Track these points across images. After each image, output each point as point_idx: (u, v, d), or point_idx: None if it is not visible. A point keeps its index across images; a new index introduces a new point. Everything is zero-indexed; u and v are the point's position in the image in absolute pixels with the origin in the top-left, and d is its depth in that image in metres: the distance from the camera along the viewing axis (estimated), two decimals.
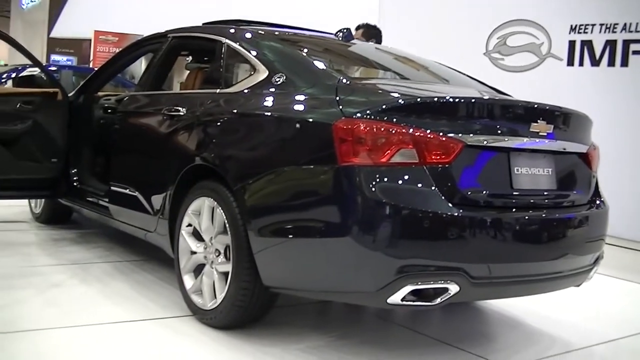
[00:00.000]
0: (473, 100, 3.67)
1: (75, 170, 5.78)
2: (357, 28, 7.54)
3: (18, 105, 5.41)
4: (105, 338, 3.67)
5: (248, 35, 4.42)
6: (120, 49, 5.94)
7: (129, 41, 6.30)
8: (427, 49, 7.63)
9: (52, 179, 5.65)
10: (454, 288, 3.21)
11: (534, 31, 8.76)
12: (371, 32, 7.56)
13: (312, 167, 3.38)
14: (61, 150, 5.64)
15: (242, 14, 5.26)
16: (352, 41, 4.80)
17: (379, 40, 7.44)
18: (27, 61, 5.27)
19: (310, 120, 3.48)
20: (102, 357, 3.41)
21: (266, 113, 3.80)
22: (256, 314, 3.78)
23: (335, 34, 4.79)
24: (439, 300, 3.24)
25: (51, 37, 20.43)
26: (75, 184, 5.77)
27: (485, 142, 3.40)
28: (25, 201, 6.80)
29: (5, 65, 18.12)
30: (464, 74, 4.77)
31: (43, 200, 6.47)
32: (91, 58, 16.56)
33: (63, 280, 4.65)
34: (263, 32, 4.51)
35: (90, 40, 16.94)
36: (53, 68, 12.92)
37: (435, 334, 4.14)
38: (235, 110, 3.99)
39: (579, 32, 8.37)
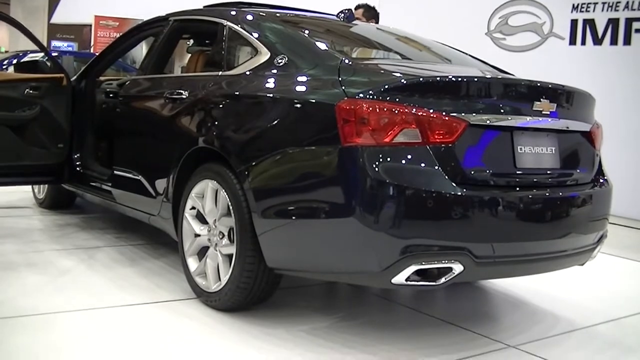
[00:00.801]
0: (476, 80, 3.67)
1: (78, 155, 5.78)
2: (357, 7, 7.54)
3: (25, 92, 5.40)
4: (110, 322, 3.68)
5: (249, 17, 4.40)
6: (121, 34, 5.92)
7: (130, 26, 6.29)
8: (429, 29, 7.60)
9: (58, 165, 5.66)
10: (458, 267, 3.22)
11: (535, 10, 8.73)
12: (371, 13, 7.57)
13: (315, 148, 3.37)
14: (66, 135, 5.64)
15: None
16: (354, 22, 4.78)
17: (377, 21, 7.45)
18: (28, 47, 5.25)
19: (313, 101, 3.47)
20: (108, 340, 3.43)
21: (268, 95, 3.79)
22: (260, 295, 3.78)
23: (337, 15, 4.77)
24: (443, 280, 3.25)
25: (51, 23, 20.38)
26: (78, 168, 5.77)
27: (488, 121, 3.39)
28: (28, 187, 6.80)
29: (6, 52, 18.10)
30: (466, 54, 4.75)
31: (46, 185, 6.47)
32: (92, 43, 16.51)
33: (68, 265, 4.66)
34: (264, 14, 4.49)
35: (91, 25, 16.89)
36: (54, 54, 12.88)
37: (439, 314, 4.15)
38: (237, 93, 3.98)
39: (581, 11, 8.34)
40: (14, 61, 11.52)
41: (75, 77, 6.02)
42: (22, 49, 13.23)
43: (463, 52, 4.79)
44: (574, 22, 8.43)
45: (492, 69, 4.47)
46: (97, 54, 6.37)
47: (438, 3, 9.52)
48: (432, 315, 4.10)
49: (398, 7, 8.21)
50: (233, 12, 4.53)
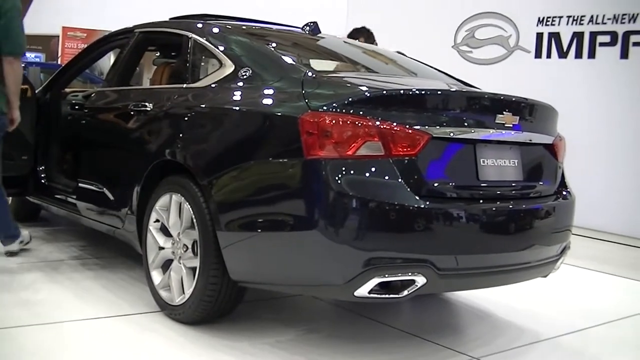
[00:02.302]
0: (439, 92, 3.69)
1: (42, 167, 5.73)
2: (354, 32, 7.39)
3: None
4: (74, 335, 3.65)
5: (215, 29, 4.40)
6: (88, 45, 5.89)
7: (98, 37, 6.27)
8: (396, 42, 7.67)
9: (22, 177, 5.60)
10: (421, 280, 3.22)
11: (501, 24, 8.84)
12: (371, 38, 7.40)
13: (279, 160, 3.37)
14: (31, 147, 5.59)
15: (209, 9, 5.23)
16: (319, 35, 4.79)
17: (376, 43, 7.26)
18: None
19: (277, 114, 3.47)
20: (71, 355, 3.40)
21: (233, 107, 3.79)
22: (224, 308, 3.76)
23: (302, 28, 4.78)
24: (406, 292, 3.25)
25: None
26: (43, 181, 5.72)
27: (451, 134, 3.41)
28: None
29: None
30: (432, 67, 4.78)
31: (10, 197, 6.40)
32: (59, 54, 16.38)
33: (32, 279, 4.61)
34: (230, 27, 4.48)
35: (59, 36, 16.76)
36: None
37: (404, 326, 4.16)
38: (202, 105, 3.97)
39: (546, 24, 8.46)
40: None
41: (40, 88, 5.97)
42: None
43: (429, 66, 4.82)
44: (539, 36, 8.55)
45: (457, 82, 4.49)
46: (64, 65, 6.33)
47: (405, 16, 9.59)
48: (397, 328, 4.10)
49: (365, 19, 8.23)
50: (199, 25, 4.52)
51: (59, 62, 14.66)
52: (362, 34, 7.38)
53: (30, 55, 17.00)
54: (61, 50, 16.41)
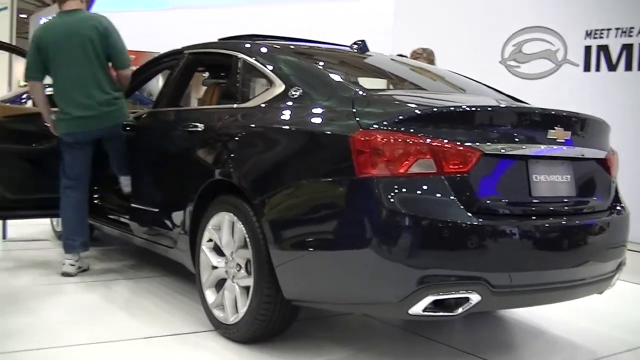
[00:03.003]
0: (490, 109, 3.67)
1: (96, 187, 5.82)
2: (415, 53, 7.41)
3: (44, 125, 5.46)
4: (129, 355, 3.69)
5: (263, 49, 4.44)
6: (137, 67, 5.98)
7: (146, 59, 6.35)
8: (443, 58, 7.65)
9: None
10: (475, 298, 3.20)
11: (549, 37, 8.77)
12: (432, 57, 7.44)
13: (330, 179, 3.38)
14: None
15: (255, 29, 5.27)
16: (368, 53, 4.80)
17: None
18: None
19: (328, 132, 3.49)
20: None
21: (283, 127, 3.82)
22: (278, 327, 3.78)
23: (351, 46, 4.79)
24: (460, 310, 3.23)
25: None
26: (96, 201, 5.81)
27: (502, 151, 3.39)
28: (46, 220, 6.85)
29: (25, 85, 18.22)
30: (480, 83, 4.76)
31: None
32: None
33: (87, 298, 4.69)
34: (278, 46, 4.52)
35: None
36: None
37: (458, 344, 4.13)
38: (252, 125, 4.01)
39: (594, 37, 8.37)
40: None
41: None
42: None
43: (477, 81, 4.80)
44: (587, 49, 8.46)
45: (506, 97, 4.47)
46: None
47: (452, 32, 9.56)
48: (451, 346, 4.07)
49: (411, 36, 8.26)
50: (247, 45, 4.57)
51: None
52: (421, 54, 7.41)
53: None
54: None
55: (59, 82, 5.18)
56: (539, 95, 5.84)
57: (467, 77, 4.87)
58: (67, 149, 5.23)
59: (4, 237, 6.76)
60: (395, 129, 3.23)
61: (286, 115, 3.87)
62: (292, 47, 4.63)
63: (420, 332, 4.25)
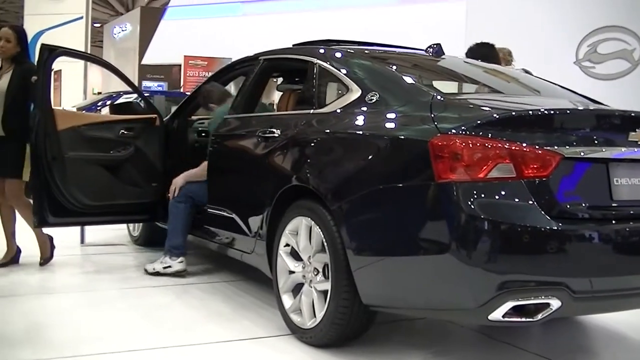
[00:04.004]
0: (568, 112, 3.64)
1: None
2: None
3: (120, 132, 5.59)
4: (207, 358, 3.74)
5: (338, 54, 4.46)
6: (212, 73, 6.08)
7: (218, 65, 6.42)
8: (516, 59, 7.56)
9: (152, 203, 5.81)
10: (555, 303, 3.16)
11: (625, 37, 8.61)
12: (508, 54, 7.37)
13: (408, 184, 3.38)
14: (160, 174, 5.81)
15: (326, 35, 5.29)
16: (442, 56, 4.78)
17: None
18: (120, 89, 5.48)
19: (406, 137, 3.49)
20: None
21: (360, 132, 3.84)
22: (355, 331, 3.79)
23: (426, 50, 4.78)
24: (540, 316, 3.19)
25: (142, 64, 20.97)
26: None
27: (582, 154, 3.34)
28: (123, 225, 7.00)
29: (99, 93, 18.67)
30: (555, 84, 4.70)
31: (141, 223, 6.64)
32: (182, 83, 16.90)
33: (164, 301, 4.78)
34: (353, 51, 4.54)
35: (180, 65, 17.30)
36: (146, 94, 13.27)
37: (536, 349, 4.08)
38: (329, 130, 4.03)
39: None
40: (108, 102, 11.91)
41: (168, 116, 6.19)
42: (114, 90, 13.62)
43: (551, 83, 4.74)
44: None
45: (582, 99, 4.40)
46: (187, 93, 6.53)
47: (525, 33, 9.45)
48: (529, 351, 4.03)
49: (484, 39, 8.15)
50: (322, 50, 4.59)
51: (182, 91, 15.13)
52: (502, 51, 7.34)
53: (153, 85, 17.60)
54: (183, 79, 16.93)
55: None
56: (615, 97, 5.73)
57: (541, 79, 4.82)
58: None
59: (82, 242, 6.91)
60: (474, 133, 3.22)
61: (364, 120, 3.88)
62: (366, 51, 4.64)
63: (498, 337, 4.22)
